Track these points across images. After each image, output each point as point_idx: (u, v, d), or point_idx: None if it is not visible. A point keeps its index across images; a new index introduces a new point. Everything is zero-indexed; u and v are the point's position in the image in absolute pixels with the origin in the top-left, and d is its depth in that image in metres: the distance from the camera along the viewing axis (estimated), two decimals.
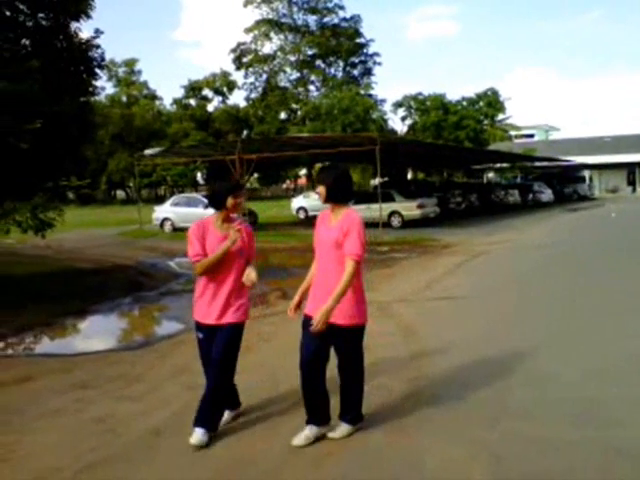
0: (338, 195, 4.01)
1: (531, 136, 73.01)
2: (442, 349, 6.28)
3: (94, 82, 12.08)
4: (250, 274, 4.12)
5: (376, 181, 32.12)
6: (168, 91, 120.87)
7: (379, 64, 63.45)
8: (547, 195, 37.85)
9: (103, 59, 11.89)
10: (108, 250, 17.44)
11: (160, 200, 41.18)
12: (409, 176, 47.14)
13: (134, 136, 55.85)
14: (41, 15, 10.98)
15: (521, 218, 25.94)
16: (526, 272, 11.39)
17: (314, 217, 20.77)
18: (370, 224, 21.23)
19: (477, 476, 3.62)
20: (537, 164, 44.98)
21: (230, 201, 4.13)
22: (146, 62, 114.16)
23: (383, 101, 56.19)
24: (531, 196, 36.62)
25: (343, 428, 4.14)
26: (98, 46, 11.58)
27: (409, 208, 22.20)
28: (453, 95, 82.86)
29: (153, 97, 64.88)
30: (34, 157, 9.52)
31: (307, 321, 3.99)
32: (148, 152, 30.97)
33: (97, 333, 8.42)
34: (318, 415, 4.08)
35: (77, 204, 46.46)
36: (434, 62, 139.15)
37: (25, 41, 11.11)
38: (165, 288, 11.17)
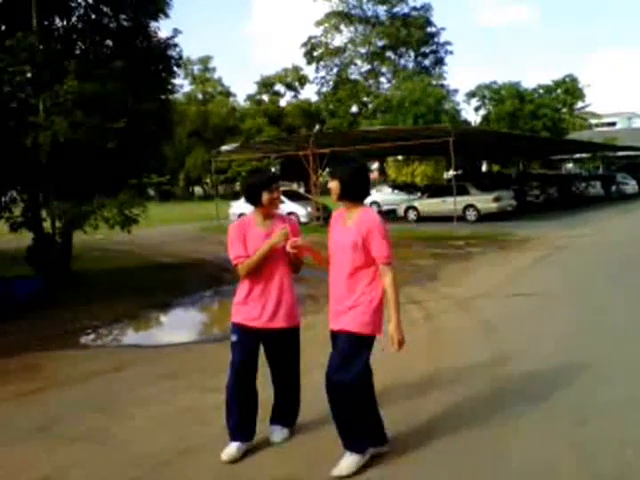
0: (354, 192, 3.59)
1: (613, 124, 69.88)
2: (525, 346, 6.13)
3: (172, 80, 12.41)
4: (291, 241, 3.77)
5: (450, 174, 31.60)
6: (242, 87, 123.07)
7: (451, 53, 62.17)
8: (632, 186, 35.98)
9: (181, 57, 12.17)
10: (188, 245, 17.94)
11: (236, 196, 41.98)
12: (484, 168, 46.11)
13: (210, 133, 57.16)
14: (123, 16, 11.36)
15: (604, 211, 24.87)
16: (611, 269, 10.90)
17: (387, 211, 20.82)
18: (444, 218, 21.02)
19: (567, 477, 3.50)
20: (620, 154, 42.98)
21: (265, 196, 3.86)
22: (219, 59, 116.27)
23: (455, 91, 55.02)
24: (614, 188, 34.92)
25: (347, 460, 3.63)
26: (176, 45, 11.86)
27: (485, 201, 21.72)
28: (529, 83, 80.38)
29: (227, 94, 66.13)
30: (119, 155, 9.90)
31: (333, 336, 3.69)
32: (224, 148, 31.61)
33: (181, 325, 8.69)
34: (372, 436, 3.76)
35: (157, 200, 48.01)
36: (508, 49, 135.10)
37: (108, 42, 11.53)
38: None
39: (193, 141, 56.53)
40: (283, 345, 3.99)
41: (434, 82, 51.81)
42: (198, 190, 68.08)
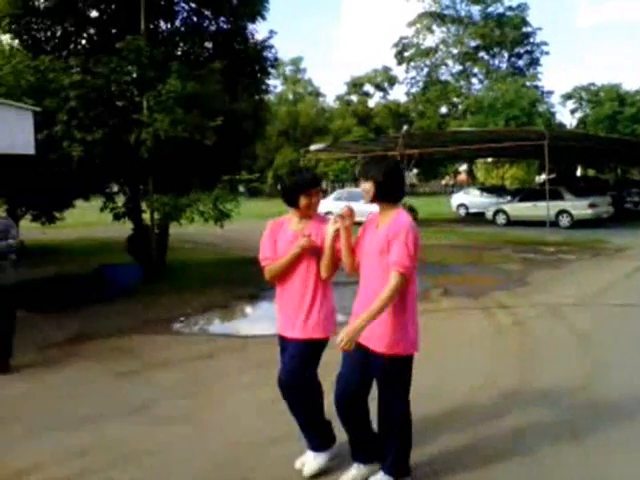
0: (388, 193, 3.34)
1: None
2: (620, 359, 5.91)
3: (267, 81, 12.74)
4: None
5: (542, 178, 30.61)
6: (331, 88, 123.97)
7: (547, 53, 60.02)
8: None
9: (276, 59, 12.41)
10: None
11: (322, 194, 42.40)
12: (578, 173, 44.28)
13: (299, 132, 58.12)
14: (222, 19, 11.75)
15: None
16: None
17: (475, 214, 20.44)
18: (535, 223, 20.40)
19: None
20: None
21: (303, 201, 3.55)
22: (310, 60, 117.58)
23: (550, 93, 53.20)
24: None
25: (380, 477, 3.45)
26: (272, 46, 12.12)
27: (579, 207, 20.88)
28: (631, 85, 76.29)
29: (317, 94, 67.01)
30: (215, 152, 10.27)
31: (358, 350, 3.34)
32: (313, 148, 32.03)
33: (268, 317, 8.89)
34: (364, 452, 3.56)
35: (246, 196, 49.26)
36: (608, 49, 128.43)
37: (208, 44, 11.96)
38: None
39: (282, 140, 57.58)
40: (295, 360, 3.55)
41: (528, 83, 50.29)
42: None
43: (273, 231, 3.70)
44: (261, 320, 8.78)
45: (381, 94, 68.03)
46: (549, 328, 7.25)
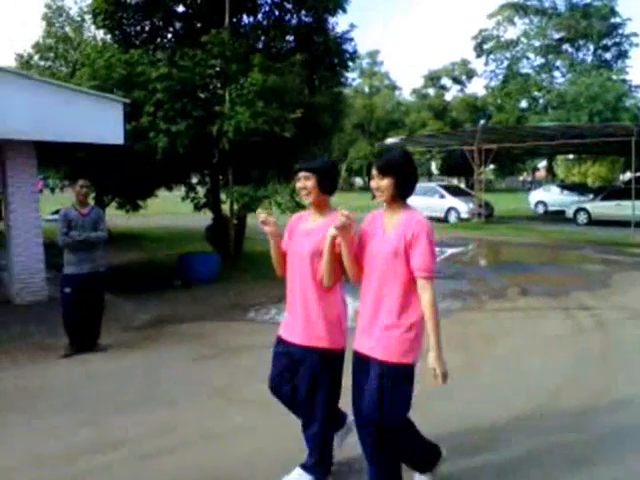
0: (409, 190, 2.99)
1: None
2: None
3: (345, 74, 12.76)
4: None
5: (627, 176, 29.27)
6: (408, 81, 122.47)
7: (636, 45, 57.25)
8: None
9: (355, 52, 12.39)
10: None
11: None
12: None
13: (374, 125, 58.02)
14: (303, 12, 11.84)
15: None
16: None
17: (554, 212, 19.70)
18: (620, 223, 19.54)
19: None
20: None
21: (297, 184, 3.36)
22: (387, 53, 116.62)
23: (639, 87, 50.74)
24: None
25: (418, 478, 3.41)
26: (351, 39, 12.12)
27: None
28: None
29: (393, 87, 66.61)
30: (292, 144, 10.40)
31: (358, 361, 3.09)
32: (389, 141, 31.88)
33: None
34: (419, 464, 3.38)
35: None
36: None
37: (289, 37, 12.10)
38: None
39: (357, 133, 57.63)
40: (310, 375, 3.32)
41: (615, 77, 48.11)
42: (358, 181, 69.34)
43: (292, 223, 3.48)
44: None
45: (458, 87, 66.86)
46: (633, 332, 6.97)
